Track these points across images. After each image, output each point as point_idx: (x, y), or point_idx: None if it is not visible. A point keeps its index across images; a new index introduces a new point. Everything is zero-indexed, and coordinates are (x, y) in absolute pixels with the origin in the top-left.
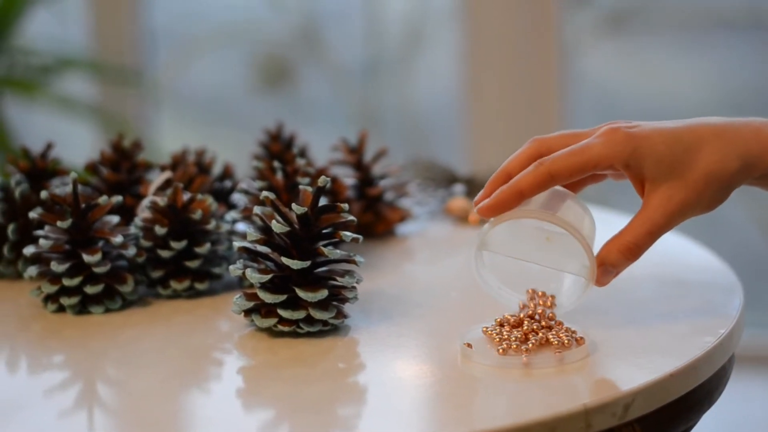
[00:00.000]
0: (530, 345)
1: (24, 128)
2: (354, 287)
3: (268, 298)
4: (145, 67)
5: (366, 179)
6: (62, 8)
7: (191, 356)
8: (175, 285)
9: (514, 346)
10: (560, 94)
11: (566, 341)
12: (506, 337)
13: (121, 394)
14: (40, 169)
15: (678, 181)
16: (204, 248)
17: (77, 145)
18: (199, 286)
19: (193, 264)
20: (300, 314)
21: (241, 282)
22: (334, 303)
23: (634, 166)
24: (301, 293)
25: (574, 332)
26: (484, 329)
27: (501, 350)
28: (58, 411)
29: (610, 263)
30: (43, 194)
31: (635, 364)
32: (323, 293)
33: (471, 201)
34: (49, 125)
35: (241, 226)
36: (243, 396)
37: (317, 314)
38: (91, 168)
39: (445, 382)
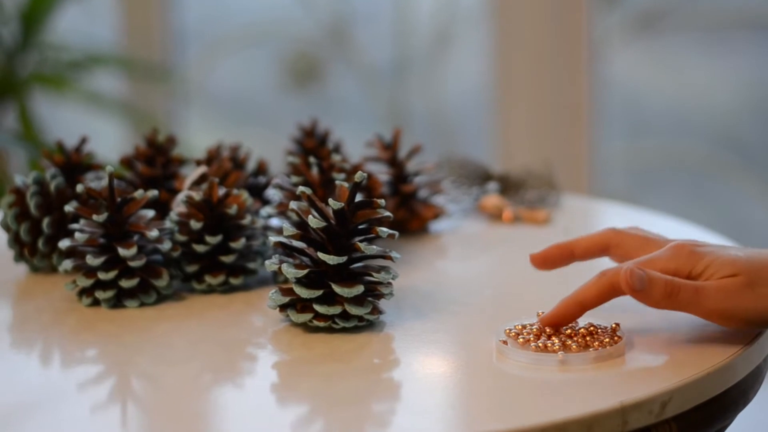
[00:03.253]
0: (566, 342)
1: (53, 124)
2: (390, 283)
3: (303, 293)
4: (174, 64)
5: (400, 176)
6: (92, 4)
7: (225, 351)
8: (209, 280)
9: (549, 344)
10: (588, 93)
11: (605, 340)
12: (541, 334)
13: (154, 389)
14: (75, 164)
15: (744, 279)
16: (239, 243)
17: (106, 141)
18: (234, 281)
19: (227, 259)
20: (336, 310)
21: (275, 277)
22: (370, 299)
23: (702, 275)
24: (337, 289)
25: (612, 330)
26: (520, 326)
27: (536, 347)
28: (91, 405)
29: (651, 278)
30: (79, 188)
31: (672, 362)
32: (359, 289)
33: (504, 199)
34: (78, 121)
35: (275, 222)
36: (277, 391)
37: (353, 310)
38: (126, 162)
39: (480, 378)
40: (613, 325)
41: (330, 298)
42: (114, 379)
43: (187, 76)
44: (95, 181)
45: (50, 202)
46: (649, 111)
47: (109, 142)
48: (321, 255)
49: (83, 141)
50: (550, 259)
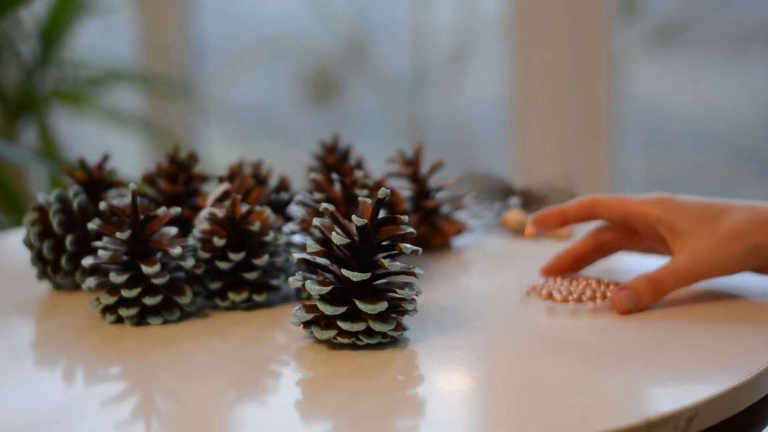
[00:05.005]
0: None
1: (73, 141)
2: (413, 299)
3: (327, 310)
4: (192, 79)
5: (422, 192)
6: (111, 21)
7: (249, 368)
8: (233, 296)
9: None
10: (608, 107)
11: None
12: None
13: (178, 406)
14: (97, 181)
15: (706, 232)
16: (262, 260)
17: (125, 157)
18: (257, 297)
19: (251, 276)
20: (360, 326)
21: (298, 294)
22: (394, 315)
23: (666, 219)
24: (361, 305)
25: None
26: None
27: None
28: (115, 422)
29: (633, 288)
30: (102, 205)
31: (698, 377)
32: (383, 305)
33: (527, 214)
34: (98, 137)
35: (298, 238)
36: (301, 408)
37: (377, 326)
38: (148, 179)
39: (504, 394)
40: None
41: (354, 315)
42: (137, 397)
43: (206, 91)
44: (118, 199)
45: (73, 220)
46: (668, 123)
47: (129, 159)
48: (344, 272)
49: (105, 158)
50: (546, 221)
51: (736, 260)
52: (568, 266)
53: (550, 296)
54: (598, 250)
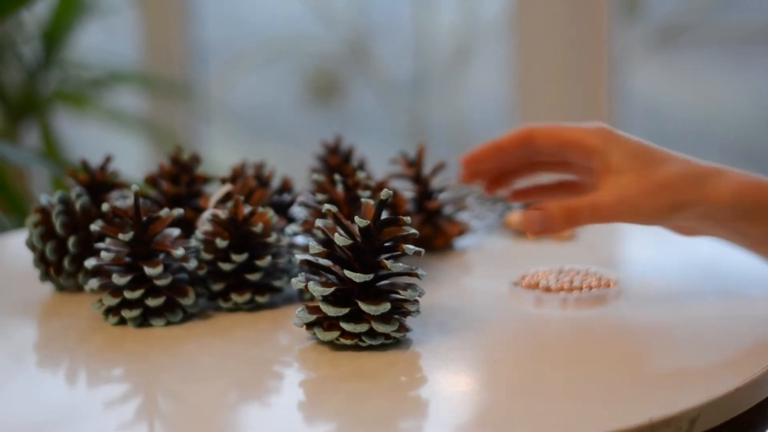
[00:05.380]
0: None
1: (75, 142)
2: (416, 300)
3: (330, 311)
4: (194, 81)
5: (425, 193)
6: (113, 22)
7: (252, 369)
8: (235, 298)
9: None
10: (609, 108)
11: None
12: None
13: (181, 407)
14: (100, 182)
15: (637, 176)
16: (265, 261)
17: (127, 158)
18: (260, 299)
19: (253, 277)
20: (362, 327)
21: (301, 295)
22: (396, 316)
23: (603, 152)
24: (364, 306)
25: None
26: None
27: (540, 292)
28: (117, 423)
29: (547, 211)
30: (105, 207)
31: (700, 378)
32: (386, 306)
33: None
34: (100, 139)
35: (300, 240)
36: (304, 409)
37: (380, 327)
38: (151, 181)
39: (507, 395)
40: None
41: (357, 316)
42: (140, 398)
43: (207, 92)
44: (120, 200)
45: (76, 221)
46: (669, 125)
47: (131, 160)
48: (347, 273)
49: (108, 159)
50: (479, 158)
51: (658, 212)
52: (493, 156)
53: (537, 286)
54: (525, 148)
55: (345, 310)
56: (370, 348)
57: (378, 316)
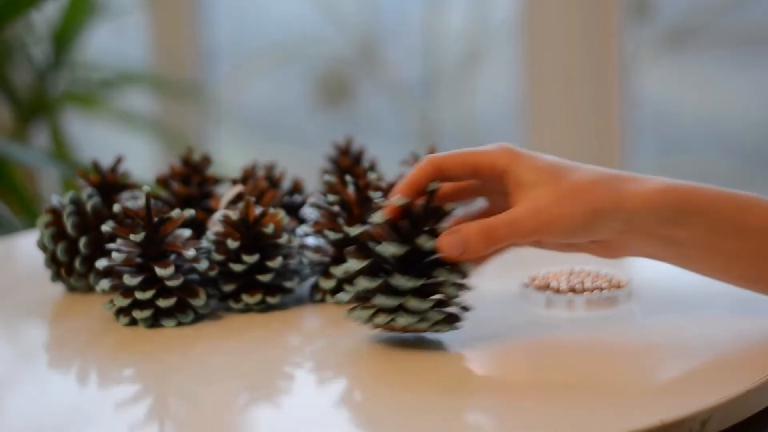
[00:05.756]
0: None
1: (85, 143)
2: (459, 285)
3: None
4: (205, 82)
5: None
6: (123, 23)
7: (263, 370)
8: (246, 299)
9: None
10: (619, 110)
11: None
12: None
13: (192, 408)
14: (111, 183)
15: (550, 188)
16: (276, 262)
17: (137, 159)
18: (271, 300)
19: (264, 278)
20: (394, 302)
21: (312, 296)
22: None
23: (512, 171)
24: (397, 280)
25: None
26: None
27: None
28: (128, 424)
29: (463, 233)
30: (116, 208)
31: (711, 379)
32: (418, 282)
33: None
34: (110, 140)
35: (311, 240)
36: (315, 410)
37: (413, 303)
38: (162, 182)
39: (515, 396)
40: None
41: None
42: (151, 399)
43: (218, 94)
44: (131, 201)
45: (87, 222)
46: (680, 127)
47: (141, 161)
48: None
49: (119, 160)
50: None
51: (578, 219)
52: (409, 195)
53: (547, 287)
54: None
55: (379, 281)
56: (383, 345)
57: (411, 290)
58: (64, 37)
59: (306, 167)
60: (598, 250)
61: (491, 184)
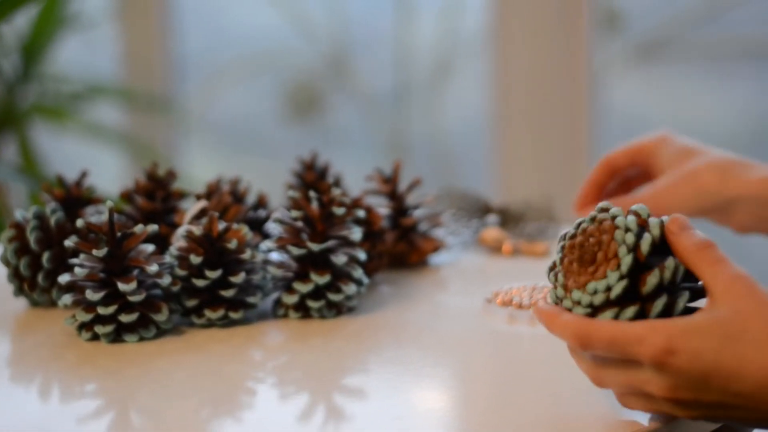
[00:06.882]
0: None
1: (54, 156)
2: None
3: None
4: (174, 94)
5: (400, 209)
6: (93, 36)
7: (225, 385)
8: (209, 314)
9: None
10: (589, 123)
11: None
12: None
13: (154, 423)
14: (75, 198)
15: (674, 171)
16: (239, 277)
17: (107, 172)
18: (234, 315)
19: (227, 293)
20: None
21: (275, 311)
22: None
23: (658, 153)
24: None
25: None
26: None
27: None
28: None
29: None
30: (79, 223)
31: None
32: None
33: (504, 231)
34: (79, 153)
35: (274, 256)
36: (278, 426)
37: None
38: (126, 196)
39: (481, 412)
40: None
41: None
42: (113, 414)
43: (187, 106)
44: (95, 216)
45: (50, 237)
46: None
47: (111, 173)
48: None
49: (83, 175)
50: (585, 201)
51: (688, 201)
52: (594, 195)
53: (510, 302)
54: (612, 174)
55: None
56: (348, 369)
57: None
58: (33, 49)
59: (276, 180)
60: (730, 225)
61: (651, 170)
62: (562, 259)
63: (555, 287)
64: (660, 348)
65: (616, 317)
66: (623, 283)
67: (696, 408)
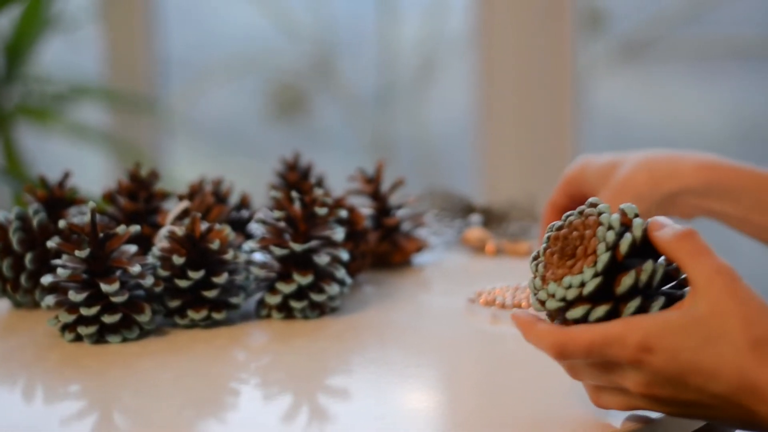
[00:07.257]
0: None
1: (38, 156)
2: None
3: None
4: (159, 95)
5: (383, 209)
6: (77, 36)
7: (208, 386)
8: (192, 315)
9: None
10: (574, 122)
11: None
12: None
13: (137, 424)
14: (58, 198)
15: (605, 191)
16: (222, 278)
17: (91, 172)
18: (217, 315)
19: (210, 294)
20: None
21: (258, 311)
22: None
23: (583, 180)
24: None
25: None
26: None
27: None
28: None
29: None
30: (62, 223)
31: None
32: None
33: (487, 231)
34: (63, 153)
35: (258, 256)
36: (261, 426)
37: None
38: (109, 197)
39: (464, 413)
40: None
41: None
42: (97, 415)
43: (171, 106)
44: (78, 217)
45: (33, 238)
46: (634, 139)
47: (95, 174)
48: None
49: (66, 176)
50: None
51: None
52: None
53: (493, 302)
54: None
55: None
56: (331, 371)
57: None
58: (16, 50)
59: (261, 180)
60: (674, 215)
61: (587, 196)
62: (545, 250)
63: (535, 276)
64: (636, 345)
65: (587, 314)
66: (597, 280)
67: (672, 405)
